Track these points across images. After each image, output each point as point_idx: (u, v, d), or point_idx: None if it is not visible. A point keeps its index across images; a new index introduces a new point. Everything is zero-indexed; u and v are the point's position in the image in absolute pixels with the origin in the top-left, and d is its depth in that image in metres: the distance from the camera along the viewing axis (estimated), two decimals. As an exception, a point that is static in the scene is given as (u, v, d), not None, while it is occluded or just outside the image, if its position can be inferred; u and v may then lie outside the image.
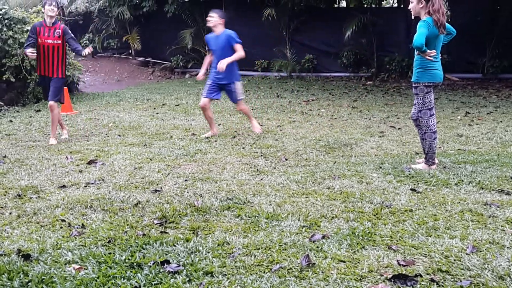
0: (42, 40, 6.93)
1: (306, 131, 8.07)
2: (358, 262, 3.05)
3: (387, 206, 4.13)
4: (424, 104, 5.30)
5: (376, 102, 11.73)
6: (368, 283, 2.78)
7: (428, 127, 5.35)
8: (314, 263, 3.01)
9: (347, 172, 5.34)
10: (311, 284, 2.76)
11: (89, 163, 5.78)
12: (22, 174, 5.23)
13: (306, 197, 4.44)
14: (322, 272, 2.91)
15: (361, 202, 4.27)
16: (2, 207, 4.19)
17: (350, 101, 11.88)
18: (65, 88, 10.21)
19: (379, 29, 15.17)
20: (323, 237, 3.45)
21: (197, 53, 17.19)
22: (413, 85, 5.38)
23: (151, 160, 5.95)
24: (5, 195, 4.51)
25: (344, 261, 3.07)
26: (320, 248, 3.26)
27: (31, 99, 11.33)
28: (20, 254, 3.17)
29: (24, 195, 4.50)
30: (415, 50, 5.23)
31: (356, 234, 3.49)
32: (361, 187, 4.73)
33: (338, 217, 3.89)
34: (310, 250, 3.24)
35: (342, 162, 5.88)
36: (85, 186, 4.82)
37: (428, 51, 5.11)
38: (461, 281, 2.78)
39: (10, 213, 4.05)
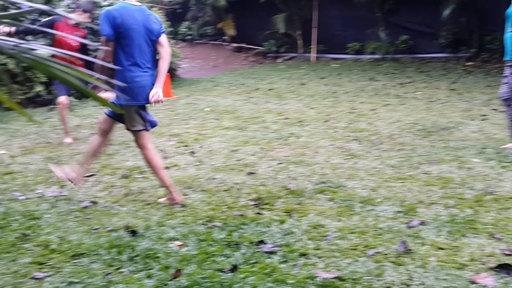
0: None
1: (401, 114, 7.83)
2: (458, 250, 2.95)
3: (489, 192, 3.94)
4: None
5: (477, 83, 11.08)
6: (469, 272, 2.69)
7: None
8: (411, 250, 2.96)
9: (446, 157, 5.14)
10: (408, 271, 2.72)
11: (188, 145, 6.04)
12: (127, 155, 5.58)
13: (402, 182, 4.34)
14: (420, 259, 2.86)
15: (461, 188, 4.10)
16: (111, 186, 4.51)
17: (448, 83, 11.33)
18: (167, 74, 10.64)
19: (480, 7, 14.21)
20: (421, 223, 3.37)
21: (290, 37, 17.19)
22: (508, 63, 5.15)
23: (246, 143, 6.09)
24: (113, 174, 4.84)
25: (443, 249, 2.98)
26: (417, 234, 3.20)
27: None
28: (128, 230, 3.41)
29: (130, 175, 4.82)
30: (508, 27, 5.06)
31: (456, 221, 3.37)
32: (461, 173, 4.53)
33: (437, 203, 3.77)
34: (407, 236, 3.18)
35: (440, 147, 5.66)
36: (185, 168, 5.06)
37: None
38: None
39: (119, 191, 4.36)
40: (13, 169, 5.05)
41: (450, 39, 14.75)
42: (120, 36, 3.76)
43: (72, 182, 4.13)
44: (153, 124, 4.12)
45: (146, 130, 3.98)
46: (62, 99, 6.26)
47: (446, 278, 2.63)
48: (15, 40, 1.31)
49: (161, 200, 4.07)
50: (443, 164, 4.84)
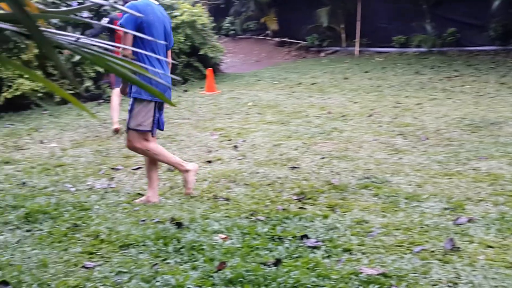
0: None
1: (448, 109, 7.64)
2: (508, 249, 2.87)
3: (542, 190, 3.80)
4: None
5: (529, 77, 10.66)
6: (520, 271, 2.61)
7: None
8: (459, 247, 2.90)
9: (495, 152, 4.98)
10: (456, 269, 2.66)
11: (231, 139, 6.09)
12: (173, 149, 5.69)
13: (449, 178, 4.25)
14: (468, 257, 2.79)
15: (512, 185, 3.97)
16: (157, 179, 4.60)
17: (498, 76, 10.94)
18: (210, 69, 10.79)
19: (533, -3, 13.63)
20: (469, 220, 3.29)
21: (333, 31, 17.02)
22: None
23: (288, 137, 6.10)
24: (159, 168, 4.94)
25: (492, 247, 2.90)
26: (465, 232, 3.12)
27: (179, 80, 12.12)
28: (173, 222, 3.47)
29: (175, 169, 4.89)
30: None
31: (506, 219, 3.28)
32: (511, 169, 4.39)
33: (486, 201, 3.67)
34: (454, 233, 3.11)
35: (489, 142, 5.49)
36: (228, 162, 5.11)
37: None
38: None
39: (164, 184, 4.45)
40: (64, 161, 5.24)
41: (499, 31, 14.24)
42: (141, 31, 3.75)
43: (155, 202, 3.98)
44: (161, 127, 4.09)
45: (151, 133, 3.91)
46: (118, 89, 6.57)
47: (495, 277, 2.57)
48: (74, 35, 1.37)
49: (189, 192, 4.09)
50: (493, 160, 4.70)
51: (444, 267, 2.70)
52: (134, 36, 3.77)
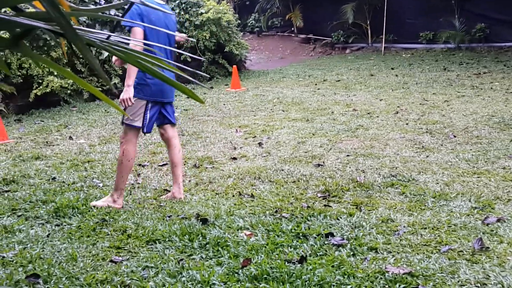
0: None
1: (477, 106, 7.49)
2: (539, 250, 2.81)
3: None
4: None
5: (562, 74, 10.38)
6: (551, 272, 2.56)
7: None
8: (488, 247, 2.85)
9: (526, 151, 4.87)
10: (484, 269, 2.62)
11: (256, 136, 6.10)
12: (198, 146, 5.73)
13: (478, 177, 4.18)
14: (497, 257, 2.74)
15: (543, 185, 3.88)
16: (183, 175, 4.64)
17: (529, 73, 10.70)
18: (234, 66, 10.84)
19: None
20: (498, 220, 3.23)
21: (358, 27, 16.87)
22: None
23: (313, 135, 6.07)
24: (184, 164, 4.99)
25: (522, 247, 2.85)
26: (494, 231, 3.07)
27: (204, 77, 12.21)
28: (199, 218, 3.50)
29: (201, 165, 4.94)
30: None
31: (537, 219, 3.20)
32: (543, 169, 4.29)
33: (516, 200, 3.60)
34: (483, 233, 3.06)
35: (519, 141, 5.38)
36: (253, 159, 5.12)
37: None
38: None
39: (189, 181, 4.49)
40: (93, 157, 5.33)
41: (531, 26, 13.91)
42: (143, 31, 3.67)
43: (181, 198, 4.01)
44: (172, 121, 4.00)
45: (142, 130, 3.84)
46: None
47: (525, 278, 2.52)
48: (105, 32, 1.39)
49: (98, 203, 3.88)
50: (523, 159, 4.61)
51: (473, 267, 2.66)
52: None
